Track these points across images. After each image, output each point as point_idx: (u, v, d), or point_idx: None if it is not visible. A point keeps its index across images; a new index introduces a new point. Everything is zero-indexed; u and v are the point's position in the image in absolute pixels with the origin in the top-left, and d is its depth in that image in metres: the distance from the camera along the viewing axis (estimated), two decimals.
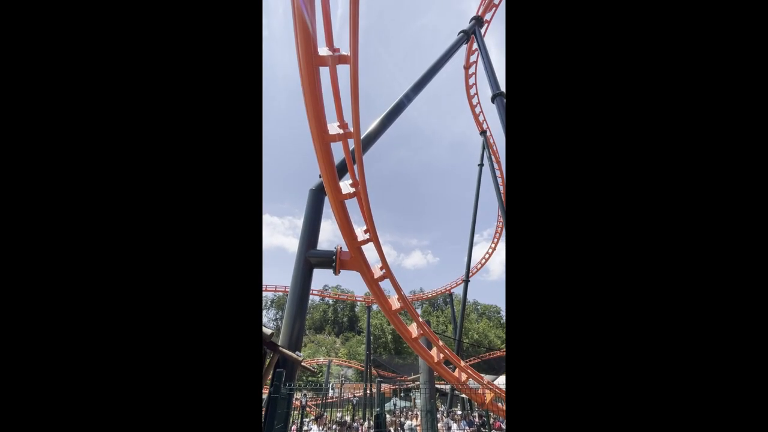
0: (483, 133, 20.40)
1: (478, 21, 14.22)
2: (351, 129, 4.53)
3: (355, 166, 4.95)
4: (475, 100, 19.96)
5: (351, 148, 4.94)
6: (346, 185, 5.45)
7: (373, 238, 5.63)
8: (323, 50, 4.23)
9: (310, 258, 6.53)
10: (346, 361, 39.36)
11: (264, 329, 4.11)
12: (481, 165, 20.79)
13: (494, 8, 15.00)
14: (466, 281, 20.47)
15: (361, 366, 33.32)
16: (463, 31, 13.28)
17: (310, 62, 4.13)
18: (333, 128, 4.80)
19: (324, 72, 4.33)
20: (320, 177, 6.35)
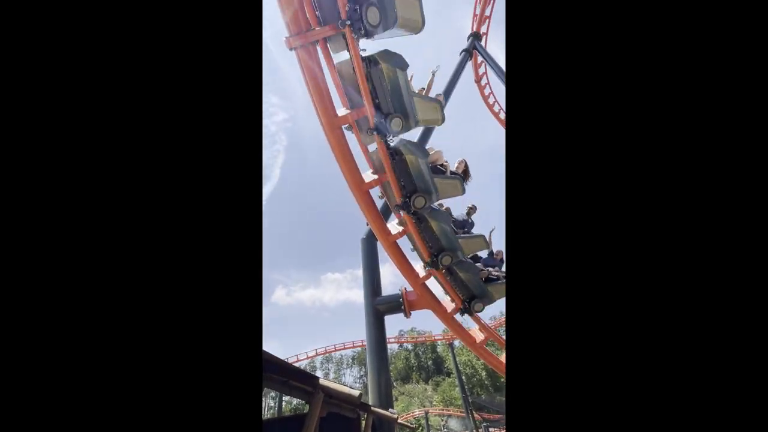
0: None
1: (476, 36, 14.54)
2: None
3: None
4: (496, 107, 19.69)
5: None
6: (394, 226, 5.47)
7: (434, 271, 5.41)
8: (341, 111, 4.57)
9: (378, 306, 6.44)
10: (443, 409, 36.31)
11: (351, 391, 3.98)
12: None
13: (487, 20, 15.29)
14: None
15: (461, 412, 30.45)
16: (464, 50, 13.61)
17: (331, 124, 4.46)
18: (368, 176, 4.98)
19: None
20: (368, 224, 6.49)
